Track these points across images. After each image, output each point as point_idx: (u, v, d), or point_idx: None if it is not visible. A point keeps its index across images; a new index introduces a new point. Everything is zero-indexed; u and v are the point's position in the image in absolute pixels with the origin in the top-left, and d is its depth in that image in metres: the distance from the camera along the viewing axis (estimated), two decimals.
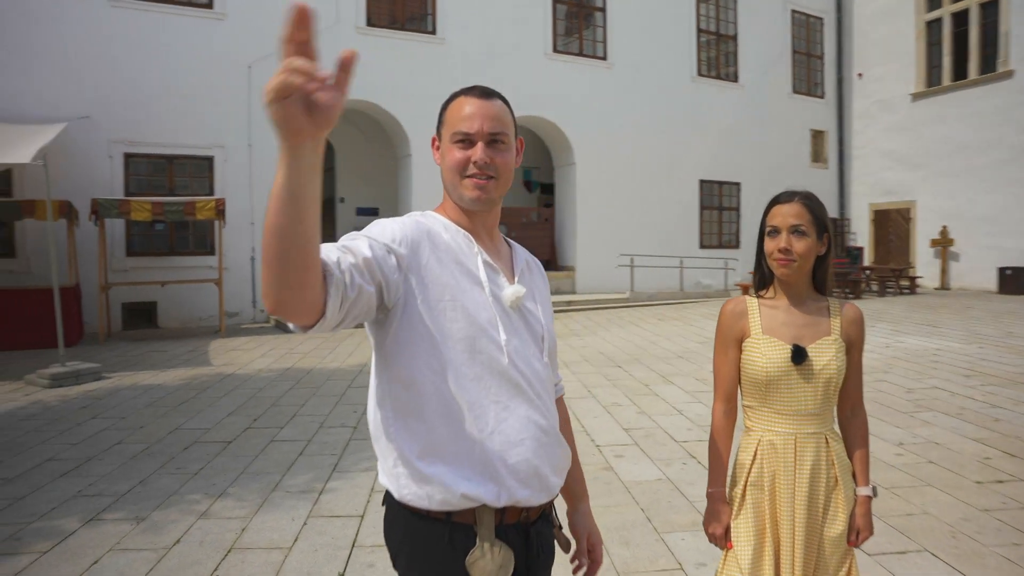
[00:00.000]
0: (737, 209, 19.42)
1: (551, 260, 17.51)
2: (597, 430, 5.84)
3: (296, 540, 3.80)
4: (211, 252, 13.26)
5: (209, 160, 13.31)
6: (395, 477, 1.45)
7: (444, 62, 15.05)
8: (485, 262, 1.50)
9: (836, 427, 2.04)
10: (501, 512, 1.44)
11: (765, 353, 1.94)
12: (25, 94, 11.74)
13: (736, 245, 19.36)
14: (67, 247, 11.60)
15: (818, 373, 1.92)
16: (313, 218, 1.08)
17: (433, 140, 1.59)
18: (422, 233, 1.45)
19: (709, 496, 2.03)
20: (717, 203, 19.19)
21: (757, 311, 2.01)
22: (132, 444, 5.65)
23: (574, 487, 1.80)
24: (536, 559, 1.51)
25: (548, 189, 19.36)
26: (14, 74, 11.70)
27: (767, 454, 1.96)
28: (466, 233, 1.52)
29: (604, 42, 17.17)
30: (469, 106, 1.50)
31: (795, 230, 1.91)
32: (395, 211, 16.40)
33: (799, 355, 1.91)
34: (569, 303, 15.21)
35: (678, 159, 18.14)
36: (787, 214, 1.92)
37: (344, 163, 17.54)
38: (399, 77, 14.55)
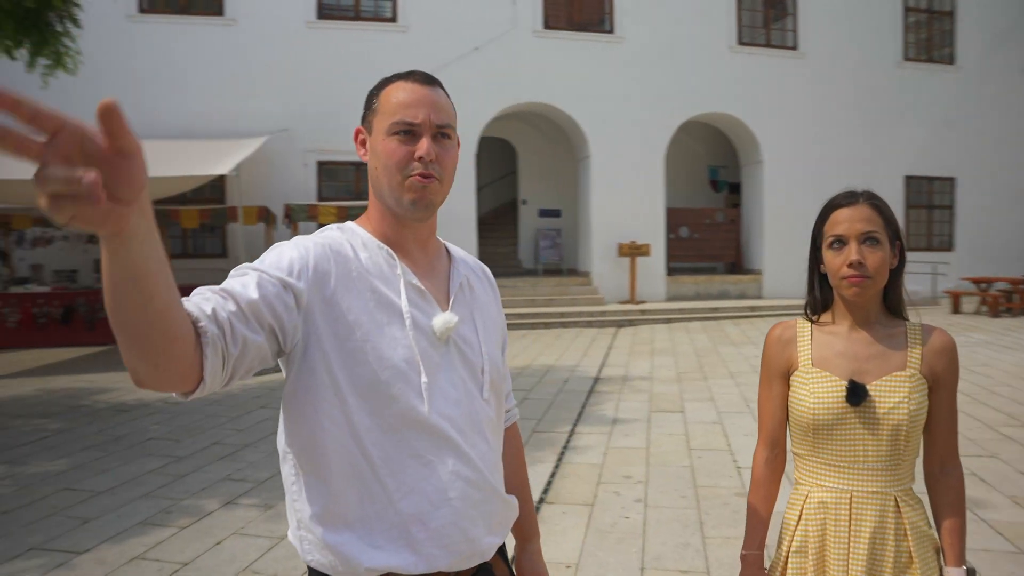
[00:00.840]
0: (951, 207, 17.38)
1: (736, 263, 16.68)
2: (742, 450, 5.42)
3: None
4: None
5: None
6: (299, 540, 1.26)
7: (622, 61, 14.80)
8: (410, 285, 1.27)
9: (911, 486, 1.62)
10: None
11: (813, 391, 1.58)
12: (236, 113, 13.04)
13: (949, 247, 17.35)
14: (263, 250, 12.73)
15: (883, 418, 1.52)
16: (164, 290, 0.88)
17: (357, 133, 1.33)
18: (327, 259, 1.22)
19: (742, 559, 1.69)
20: (926, 201, 17.29)
21: (809, 338, 1.65)
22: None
23: (523, 526, 1.59)
24: None
25: (735, 189, 18.47)
26: (229, 96, 13.05)
27: (814, 515, 1.59)
28: (389, 251, 1.28)
29: (795, 31, 16.06)
30: (410, 93, 1.25)
31: (867, 238, 1.53)
32: (575, 213, 16.42)
33: (856, 394, 1.53)
34: (752, 308, 14.40)
35: (879, 153, 16.55)
36: (855, 219, 1.54)
37: (526, 165, 17.81)
38: (577, 79, 14.50)
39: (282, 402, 1.26)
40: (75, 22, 7.33)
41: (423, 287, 1.28)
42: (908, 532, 1.54)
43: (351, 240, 1.29)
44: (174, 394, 1.02)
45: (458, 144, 1.35)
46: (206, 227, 12.96)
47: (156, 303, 0.87)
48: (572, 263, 16.64)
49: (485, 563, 1.32)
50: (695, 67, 15.10)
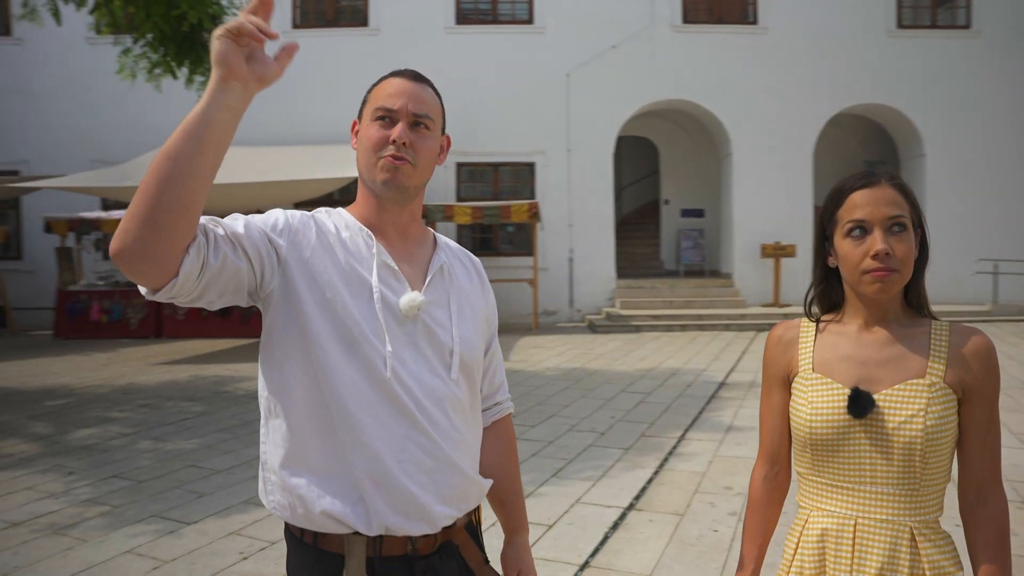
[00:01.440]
0: None
1: None
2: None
3: None
4: (530, 253, 14.12)
5: (530, 166, 14.17)
6: (263, 482, 1.34)
7: (766, 53, 14.10)
8: (384, 264, 1.33)
9: (937, 518, 1.36)
10: (377, 542, 1.27)
11: (811, 400, 1.38)
12: None
13: None
14: None
15: (893, 433, 1.30)
16: (213, 158, 1.09)
17: (353, 125, 1.42)
18: (309, 227, 1.33)
19: None
20: None
21: (812, 338, 1.45)
22: None
23: (510, 518, 1.60)
24: None
25: None
26: None
27: (813, 544, 1.38)
28: (368, 232, 1.36)
29: (967, 8, 14.60)
30: (395, 85, 1.35)
31: (894, 224, 1.31)
32: (719, 213, 15.85)
33: (859, 403, 1.32)
34: None
35: None
36: (879, 202, 1.32)
37: (668, 164, 17.41)
38: (718, 73, 13.99)
39: (260, 351, 1.36)
40: None
41: (396, 267, 1.35)
42: (926, 573, 1.31)
43: (335, 221, 1.37)
44: (143, 289, 1.13)
45: (445, 145, 1.44)
46: None
47: (201, 161, 1.07)
48: (714, 264, 16.07)
49: (450, 541, 1.36)
50: (847, 55, 14.09)
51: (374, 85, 1.39)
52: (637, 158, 18.79)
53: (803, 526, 1.41)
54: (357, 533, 1.27)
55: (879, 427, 1.31)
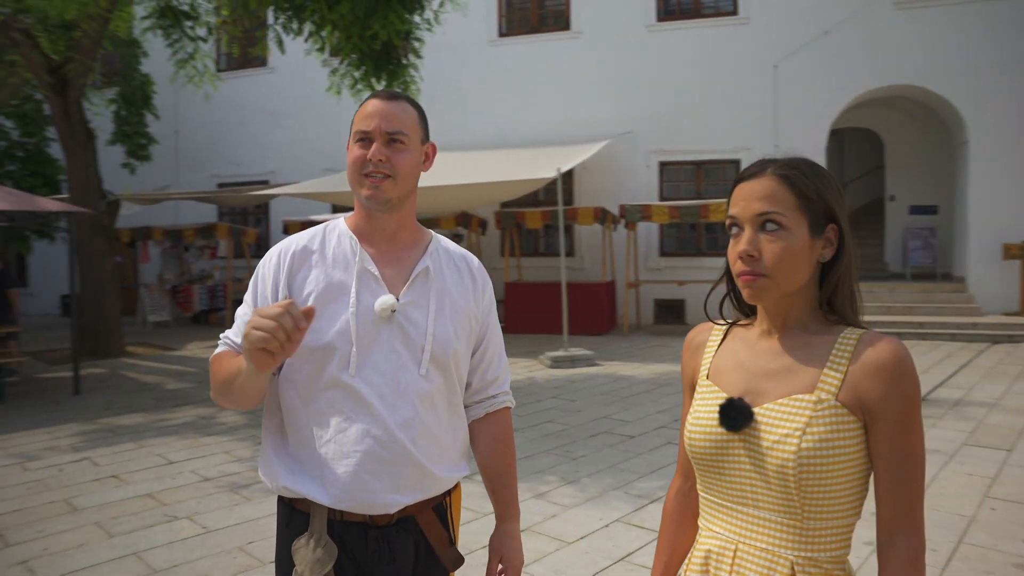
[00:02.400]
0: None
1: None
2: None
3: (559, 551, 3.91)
4: None
5: (735, 163, 13.64)
6: (261, 455, 1.58)
7: (1007, 25, 12.34)
8: (364, 270, 1.50)
9: (831, 555, 1.18)
10: (339, 511, 1.45)
11: (696, 409, 1.28)
12: (582, 119, 13.89)
13: None
14: (601, 247, 13.35)
15: (767, 453, 1.16)
16: (250, 397, 1.42)
17: (348, 144, 1.59)
18: (293, 253, 1.53)
19: None
20: None
21: (717, 343, 1.34)
22: (551, 424, 6.40)
23: (499, 506, 1.68)
24: (374, 564, 1.46)
25: None
26: (576, 104, 13.97)
27: (698, 567, 1.28)
28: (354, 239, 1.53)
29: None
30: (370, 107, 1.50)
31: (766, 222, 1.18)
32: (952, 209, 14.19)
33: (728, 416, 1.20)
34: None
35: None
36: (752, 196, 1.20)
37: (893, 157, 15.85)
38: (949, 52, 12.46)
39: None
40: (416, 54, 8.60)
41: (377, 272, 1.50)
42: None
43: (327, 232, 1.57)
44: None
45: (433, 150, 1.59)
46: (551, 227, 14.01)
47: (240, 396, 1.42)
48: (947, 267, 14.39)
49: (411, 517, 1.49)
50: None
51: (359, 108, 1.55)
52: (860, 152, 17.31)
53: (694, 547, 1.32)
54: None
55: (757, 445, 1.18)
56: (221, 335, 1.56)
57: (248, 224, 16.84)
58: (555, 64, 14.17)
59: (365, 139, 1.48)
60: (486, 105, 14.44)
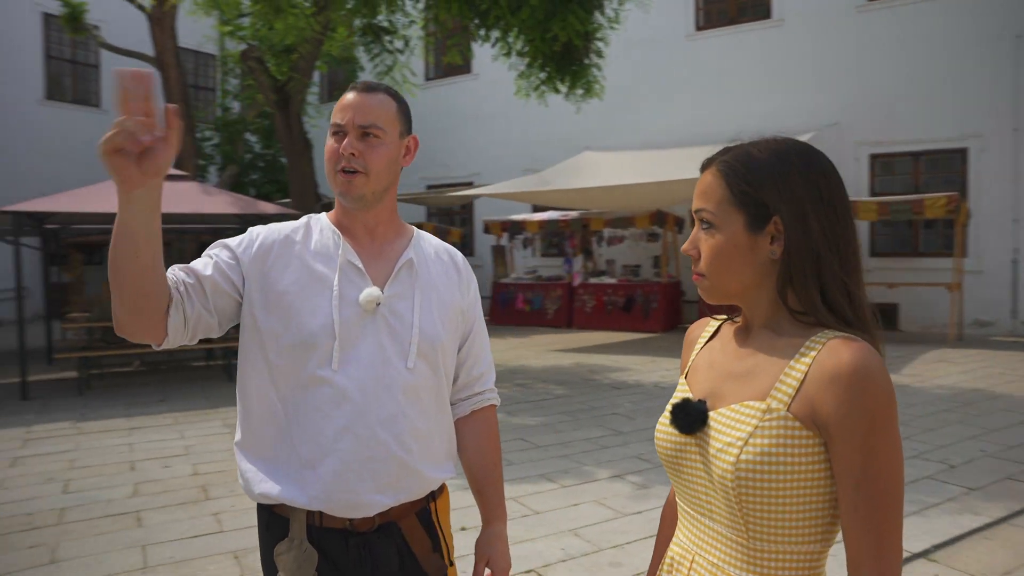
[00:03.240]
0: None
1: None
2: None
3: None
4: (952, 253, 12.23)
5: (961, 152, 12.24)
6: (237, 462, 1.52)
7: None
8: (348, 263, 1.46)
9: None
10: (317, 514, 1.43)
11: (666, 408, 1.20)
12: (785, 110, 13.15)
13: None
14: None
15: (711, 460, 1.09)
16: (150, 253, 1.22)
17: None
18: (273, 241, 1.48)
19: None
20: None
21: (705, 339, 1.28)
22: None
23: (485, 507, 1.65)
24: (356, 573, 1.44)
25: None
26: (778, 95, 13.26)
27: (665, 570, 1.24)
28: (337, 233, 1.50)
29: None
30: (345, 100, 1.47)
31: (701, 220, 1.14)
32: None
33: (680, 416, 1.14)
34: None
35: None
36: (695, 192, 1.16)
37: None
38: None
39: None
40: (599, 54, 8.65)
41: (361, 265, 1.47)
42: None
43: (311, 225, 1.53)
44: (153, 345, 1.37)
45: (415, 143, 1.56)
46: None
47: (140, 260, 1.21)
48: None
49: (393, 523, 1.46)
50: None
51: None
52: None
53: (668, 550, 1.27)
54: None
55: (707, 451, 1.10)
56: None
57: (454, 224, 17.79)
58: (755, 55, 13.55)
59: (339, 132, 1.45)
60: (683, 101, 14.12)
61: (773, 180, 1.09)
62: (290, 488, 1.42)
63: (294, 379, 1.42)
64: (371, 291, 1.45)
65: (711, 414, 1.12)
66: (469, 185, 16.13)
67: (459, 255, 1.68)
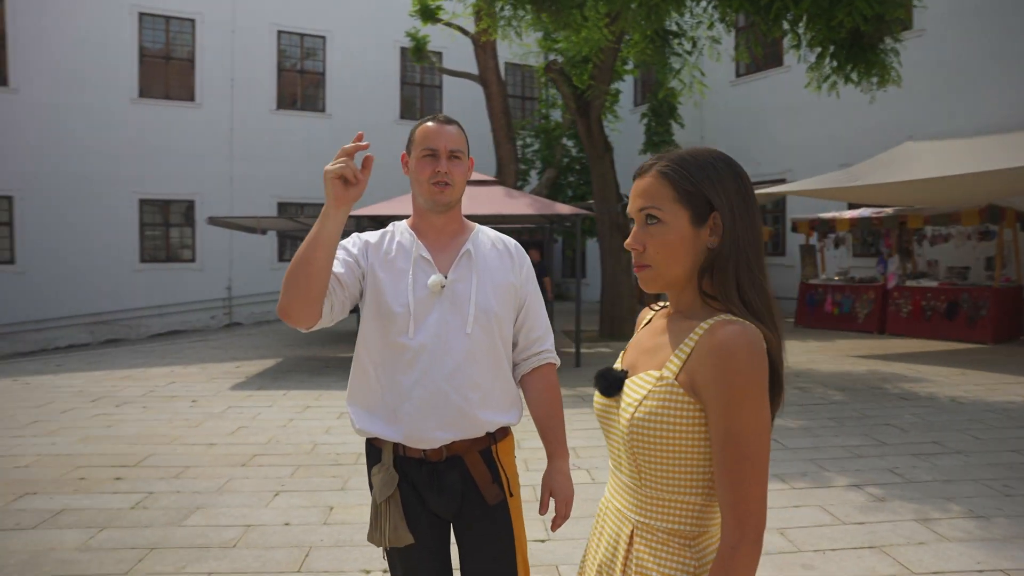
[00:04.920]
0: None
1: None
2: None
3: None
4: None
5: None
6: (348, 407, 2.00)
7: None
8: (419, 257, 1.91)
9: (669, 526, 1.26)
10: (400, 445, 1.86)
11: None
12: None
13: None
14: None
15: (619, 418, 1.30)
16: (330, 256, 1.69)
17: (403, 157, 1.98)
18: (372, 246, 1.94)
19: None
20: None
21: (646, 321, 1.47)
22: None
23: (548, 446, 1.99)
24: (429, 493, 1.87)
25: None
26: None
27: (597, 518, 1.45)
28: (412, 234, 1.94)
29: None
30: (433, 130, 1.90)
31: (647, 216, 1.29)
32: None
33: (602, 381, 1.35)
34: None
35: None
36: (634, 193, 1.32)
37: None
38: None
39: None
40: (895, 38, 7.95)
41: (430, 258, 1.91)
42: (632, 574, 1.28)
43: (394, 231, 1.99)
44: (302, 329, 1.80)
45: (471, 163, 2.00)
46: None
47: (322, 261, 1.68)
48: None
49: (458, 456, 1.88)
50: None
51: (415, 129, 1.94)
52: None
53: None
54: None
55: (618, 412, 1.32)
56: None
57: (766, 223, 17.23)
58: None
59: (433, 154, 1.88)
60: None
61: (712, 181, 1.26)
62: (380, 426, 1.88)
63: (382, 345, 1.88)
64: (436, 277, 1.88)
65: (626, 381, 1.34)
66: (780, 182, 15.54)
67: (512, 242, 2.05)
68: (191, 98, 17.77)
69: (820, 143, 15.45)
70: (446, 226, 1.98)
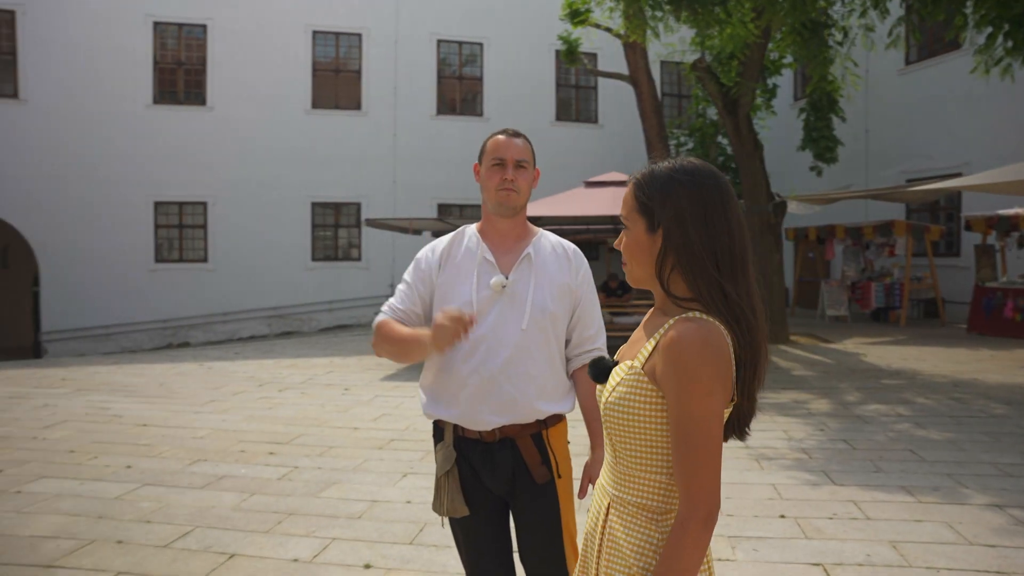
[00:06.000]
0: None
1: None
2: None
3: None
4: None
5: None
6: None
7: None
8: (484, 259, 2.12)
9: (639, 501, 1.38)
10: (460, 428, 2.10)
11: None
12: None
13: None
14: None
15: (601, 403, 1.47)
16: (412, 360, 2.12)
17: (475, 167, 2.19)
18: (437, 256, 2.18)
19: None
20: None
21: (644, 319, 1.58)
22: None
23: (591, 437, 2.17)
24: (484, 470, 2.09)
25: None
26: None
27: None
28: (479, 237, 2.16)
29: None
30: (500, 142, 2.13)
31: (621, 224, 1.49)
32: None
33: (593, 368, 1.51)
34: None
35: None
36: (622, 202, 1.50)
37: None
38: None
39: None
40: None
41: (493, 260, 2.13)
42: (605, 545, 1.42)
43: (463, 234, 2.22)
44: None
45: (537, 173, 2.21)
46: None
47: (406, 360, 2.15)
48: None
49: (510, 438, 2.09)
50: None
51: (486, 142, 2.16)
52: None
53: None
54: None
55: (602, 397, 1.48)
56: (384, 305, 2.20)
57: (939, 221, 16.02)
58: None
59: (500, 163, 2.10)
60: None
61: (660, 195, 1.39)
62: (442, 409, 2.13)
63: None
64: (498, 278, 2.10)
65: (613, 370, 1.48)
66: (956, 176, 14.37)
67: (571, 247, 2.24)
68: (358, 107, 19.02)
69: (1003, 133, 14.09)
70: (511, 230, 2.18)
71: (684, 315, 1.35)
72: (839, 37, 9.21)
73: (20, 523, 4.19)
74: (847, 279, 16.25)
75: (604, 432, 1.46)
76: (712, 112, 18.77)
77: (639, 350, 1.42)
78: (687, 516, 1.27)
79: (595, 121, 20.39)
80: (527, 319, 2.06)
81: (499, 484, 2.10)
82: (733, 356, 1.33)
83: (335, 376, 9.59)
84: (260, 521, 4.18)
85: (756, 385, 1.37)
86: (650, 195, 1.40)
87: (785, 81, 18.83)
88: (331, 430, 6.47)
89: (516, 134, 2.17)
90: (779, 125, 17.88)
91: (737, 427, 1.41)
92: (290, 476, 5.07)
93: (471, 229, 2.24)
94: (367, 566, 3.58)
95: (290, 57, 18.26)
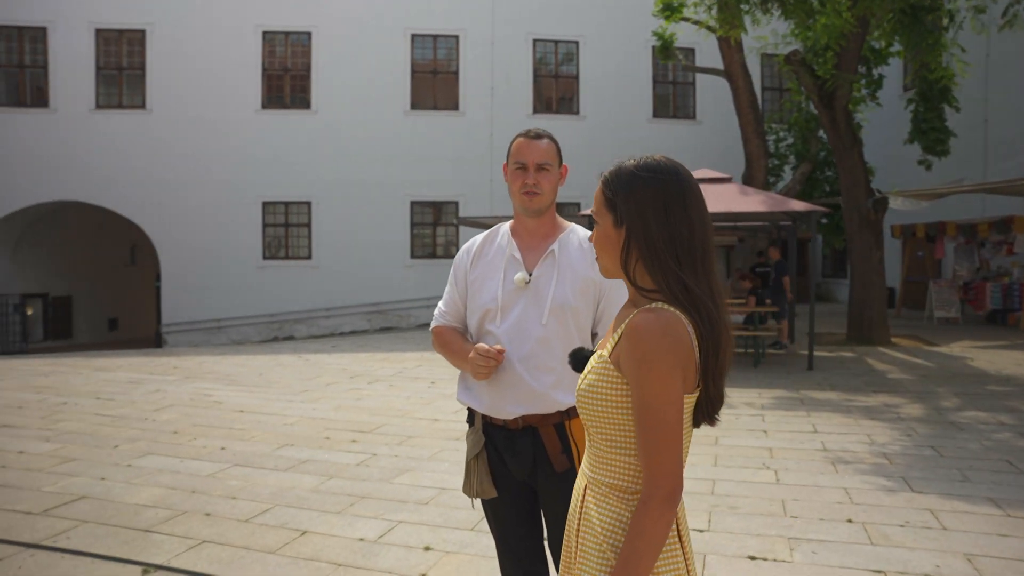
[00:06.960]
0: None
1: None
2: None
3: None
4: None
5: None
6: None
7: None
8: (511, 256, 2.22)
9: (616, 483, 1.44)
10: (488, 416, 2.21)
11: None
12: None
13: None
14: None
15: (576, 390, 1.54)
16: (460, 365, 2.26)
17: (504, 167, 2.26)
18: (469, 257, 2.31)
19: None
20: None
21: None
22: None
23: None
24: (507, 455, 2.19)
25: None
26: None
27: None
28: (509, 236, 2.26)
29: None
30: (523, 145, 2.19)
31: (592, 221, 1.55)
32: None
33: (572, 358, 1.63)
34: None
35: None
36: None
37: None
38: None
39: None
40: None
41: (519, 257, 2.23)
42: (580, 525, 1.50)
43: (498, 231, 2.33)
44: None
45: (563, 173, 2.27)
46: None
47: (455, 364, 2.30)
48: None
49: (533, 426, 2.17)
50: None
51: (511, 143, 2.23)
52: None
53: None
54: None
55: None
56: (436, 308, 2.37)
57: None
58: None
59: (522, 167, 2.18)
60: None
61: (624, 190, 1.46)
62: (472, 398, 2.26)
63: (477, 331, 2.26)
64: (521, 274, 2.19)
65: (590, 359, 1.55)
66: None
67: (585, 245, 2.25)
68: (455, 107, 19.42)
69: None
70: (538, 228, 2.26)
71: (647, 306, 1.41)
72: (944, 22, 8.73)
73: (128, 492, 4.62)
74: (959, 279, 15.39)
75: (585, 417, 1.51)
76: (811, 106, 18.12)
77: (609, 340, 1.49)
78: (650, 495, 1.33)
79: (693, 117, 20.05)
80: (547, 314, 2.14)
81: (521, 469, 2.19)
82: (696, 345, 1.38)
83: (424, 370, 9.89)
84: (334, 503, 4.43)
85: (720, 372, 1.42)
86: (615, 191, 1.47)
87: (894, 71, 17.93)
88: (412, 421, 6.71)
89: (539, 135, 2.21)
90: (885, 117, 17.06)
91: (707, 413, 1.46)
92: (368, 463, 5.32)
93: (505, 227, 2.33)
94: (427, 548, 3.74)
95: (390, 60, 18.83)
